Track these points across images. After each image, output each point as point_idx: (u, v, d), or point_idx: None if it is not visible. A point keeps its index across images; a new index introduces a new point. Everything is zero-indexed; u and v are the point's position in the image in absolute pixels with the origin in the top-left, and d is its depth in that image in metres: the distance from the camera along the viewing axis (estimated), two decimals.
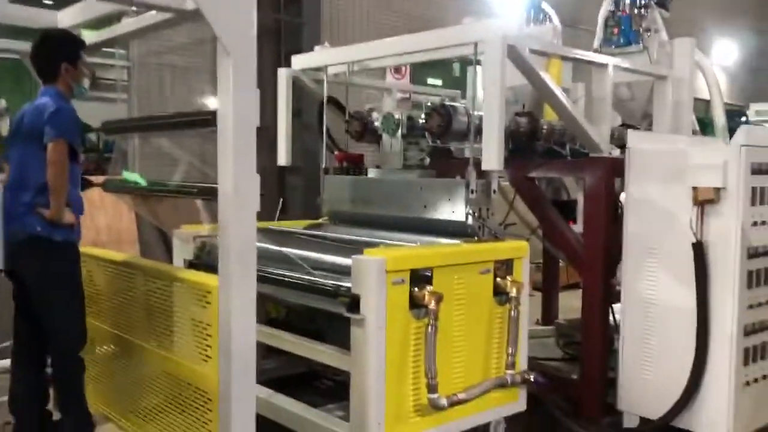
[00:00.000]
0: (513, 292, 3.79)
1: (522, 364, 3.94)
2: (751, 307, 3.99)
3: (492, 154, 3.75)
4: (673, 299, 4.16)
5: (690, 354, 4.01)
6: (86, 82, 3.80)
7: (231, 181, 2.80)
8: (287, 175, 7.41)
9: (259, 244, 3.04)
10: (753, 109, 11.31)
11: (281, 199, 6.04)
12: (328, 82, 5.12)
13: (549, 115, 5.37)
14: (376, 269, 3.23)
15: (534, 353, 4.67)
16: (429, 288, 3.38)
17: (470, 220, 4.08)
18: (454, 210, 4.16)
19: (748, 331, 3.99)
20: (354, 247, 3.77)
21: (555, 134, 5.05)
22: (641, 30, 5.55)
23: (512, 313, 3.79)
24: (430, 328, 3.33)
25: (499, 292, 3.82)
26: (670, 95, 5.00)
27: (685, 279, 4.05)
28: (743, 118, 6.35)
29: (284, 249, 4.11)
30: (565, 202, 5.16)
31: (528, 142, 4.84)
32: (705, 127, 5.69)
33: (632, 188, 4.35)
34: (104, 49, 4.98)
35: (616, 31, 5.56)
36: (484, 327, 3.77)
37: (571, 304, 7.37)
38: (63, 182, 3.46)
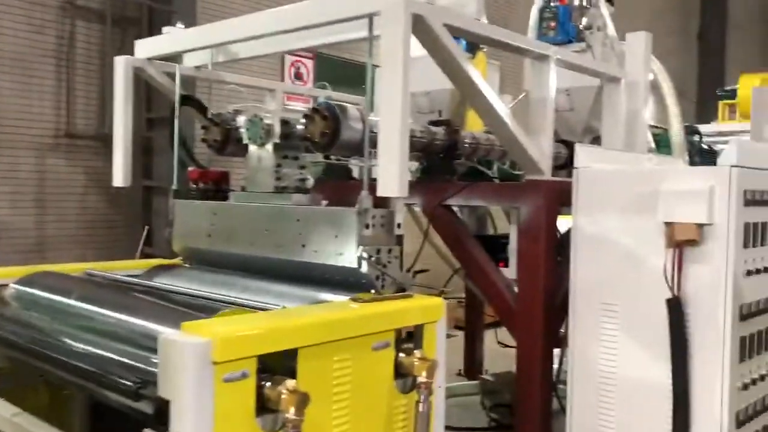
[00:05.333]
0: (422, 375, 2.59)
1: None
2: (745, 387, 2.93)
3: (391, 174, 2.56)
4: (639, 373, 3.06)
5: None
6: None
7: None
8: (155, 197, 6.00)
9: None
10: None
11: (146, 228, 4.70)
12: (186, 76, 3.84)
13: (473, 125, 4.26)
14: (194, 358, 1.96)
15: (452, 421, 3.51)
16: (289, 384, 2.13)
17: (364, 267, 2.87)
18: (342, 252, 2.94)
19: (743, 418, 2.92)
20: (193, 311, 2.52)
21: (480, 150, 3.92)
22: (582, 27, 4.54)
23: (421, 406, 2.59)
24: None
25: (403, 374, 2.62)
26: (623, 103, 3.96)
27: (656, 347, 2.97)
28: (696, 137, 5.44)
29: (90, 308, 2.79)
30: (493, 238, 4.01)
31: (445, 160, 3.70)
32: (657, 144, 4.71)
33: (582, 221, 3.25)
34: None
35: (552, 24, 4.52)
36: (380, 427, 2.56)
37: (499, 349, 6.29)
38: None
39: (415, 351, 2.64)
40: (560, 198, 3.34)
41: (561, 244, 3.46)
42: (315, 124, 3.06)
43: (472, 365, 5.90)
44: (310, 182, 3.38)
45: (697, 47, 18.45)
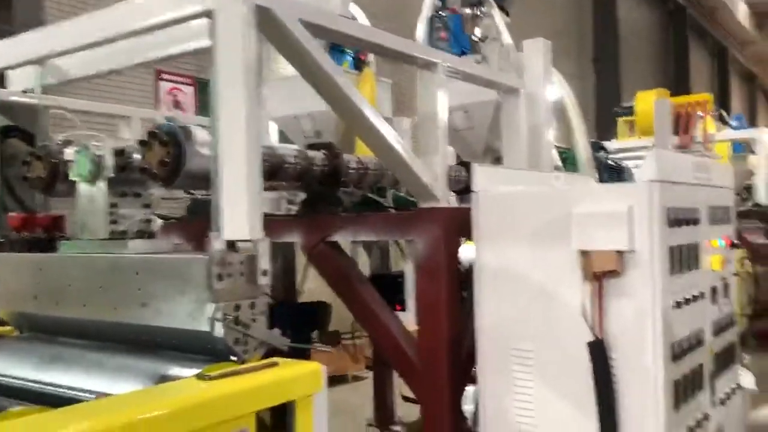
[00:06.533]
0: None
1: None
2: None
3: (238, 211, 1.99)
4: (561, 429, 2.58)
5: None
6: None
7: None
8: None
9: None
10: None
11: None
12: (13, 102, 3.15)
13: (362, 150, 3.76)
14: None
15: None
16: None
17: (219, 330, 2.27)
18: (191, 311, 2.32)
19: None
20: None
21: (369, 176, 3.41)
22: (476, 37, 4.15)
23: None
24: None
25: None
26: (523, 116, 3.55)
27: (579, 397, 2.50)
28: (602, 153, 5.14)
29: None
30: (392, 277, 3.48)
31: (328, 188, 3.15)
32: (564, 162, 4.35)
33: (485, 254, 2.77)
34: None
35: (443, 35, 4.10)
36: None
37: None
38: None
39: None
40: (461, 227, 2.85)
41: (467, 280, 2.97)
42: (153, 152, 2.45)
43: (383, 414, 5.31)
44: (157, 224, 2.75)
45: (593, 69, 18.86)
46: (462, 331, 2.89)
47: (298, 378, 2.18)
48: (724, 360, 3.06)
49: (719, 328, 2.99)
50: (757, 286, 9.24)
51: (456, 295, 2.85)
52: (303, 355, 4.26)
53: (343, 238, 3.05)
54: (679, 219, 2.53)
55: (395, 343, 2.94)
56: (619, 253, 2.41)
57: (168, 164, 2.44)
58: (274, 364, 2.20)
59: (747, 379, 4.25)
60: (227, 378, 2.05)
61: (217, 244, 2.25)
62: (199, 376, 2.04)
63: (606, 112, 13.65)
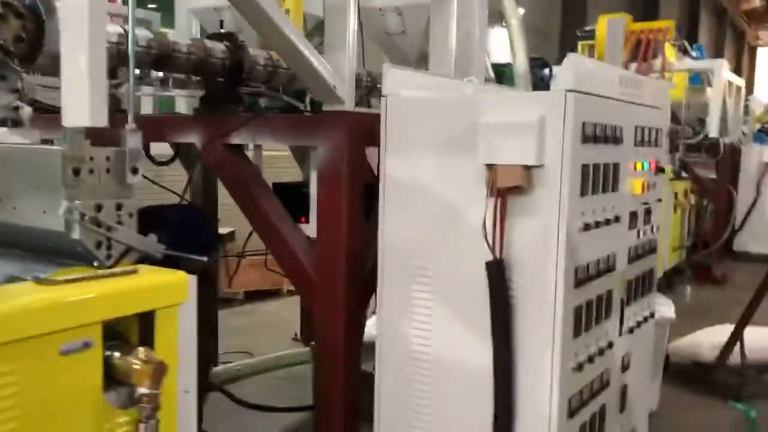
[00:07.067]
0: (144, 385, 1.82)
1: None
2: (579, 367, 2.37)
3: (78, 95, 1.72)
4: (456, 352, 2.45)
5: None
6: None
7: None
8: None
9: None
10: None
11: None
12: None
13: None
14: None
15: (280, 397, 2.80)
16: None
17: (77, 232, 2.03)
18: (47, 209, 2.08)
19: (575, 405, 2.38)
20: None
21: (281, 75, 3.12)
22: None
23: (142, 428, 1.82)
24: None
25: (121, 383, 1.85)
26: (454, 23, 3.27)
27: (476, 320, 2.35)
28: (546, 71, 4.89)
29: None
30: (293, 186, 3.23)
31: (229, 85, 2.87)
32: (499, 76, 4.09)
33: (392, 165, 2.55)
34: None
35: None
36: None
37: None
38: None
39: (139, 350, 1.86)
40: (368, 135, 2.62)
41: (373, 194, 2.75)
42: (8, 25, 2.13)
43: (310, 329, 5.16)
44: (27, 112, 2.45)
45: None
46: (365, 248, 2.70)
47: (157, 287, 1.97)
48: (639, 288, 2.94)
49: (636, 255, 2.85)
50: (699, 219, 9.30)
51: (358, 207, 2.64)
52: (208, 266, 4.06)
53: (241, 141, 2.78)
54: (596, 135, 2.33)
55: (294, 258, 2.74)
56: (527, 168, 2.21)
57: (24, 41, 2.13)
58: (134, 272, 1.98)
59: (665, 308, 4.21)
60: (71, 284, 1.83)
61: (71, 135, 1.98)
62: (39, 280, 1.82)
63: (570, 33, 13.30)
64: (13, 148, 2.21)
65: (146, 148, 3.98)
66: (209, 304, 4.61)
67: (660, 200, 3.07)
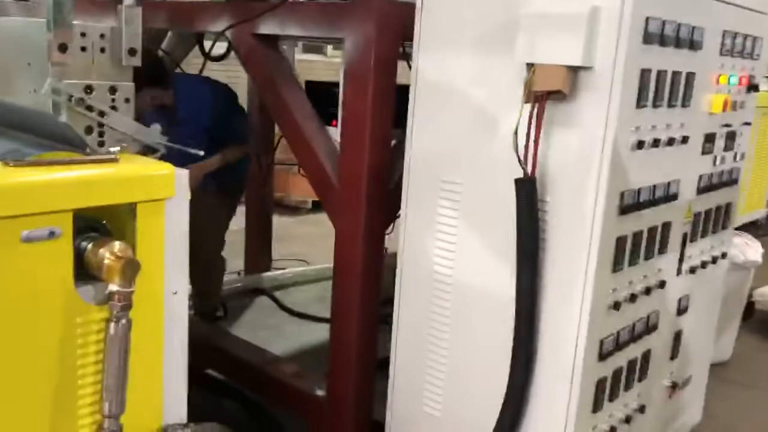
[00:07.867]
0: (114, 281, 1.69)
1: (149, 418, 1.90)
2: (616, 306, 2.07)
3: None
4: (480, 278, 2.19)
5: (503, 381, 2.10)
6: None
7: None
8: None
9: None
10: None
11: None
12: None
13: None
14: None
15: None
16: None
17: (61, 112, 1.89)
18: (36, 87, 1.94)
19: (608, 349, 2.09)
20: None
21: None
22: None
23: (111, 327, 1.70)
24: None
25: (94, 277, 1.73)
26: None
27: (504, 244, 2.08)
28: None
29: None
30: (328, 86, 2.96)
31: None
32: None
33: (425, 64, 2.25)
34: None
35: None
36: (49, 357, 1.68)
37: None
38: None
39: (114, 243, 1.72)
40: (402, 28, 2.32)
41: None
42: None
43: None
44: None
45: None
46: (394, 157, 2.45)
47: (138, 179, 1.80)
48: (709, 223, 2.56)
49: (708, 186, 2.46)
50: None
51: (385, 113, 2.36)
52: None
53: (269, 31, 2.54)
54: (663, 35, 1.93)
55: (317, 163, 2.52)
56: (571, 69, 1.87)
57: None
58: (114, 160, 1.82)
59: (752, 251, 3.76)
60: (41, 167, 1.69)
61: (65, 5, 1.81)
62: (6, 161, 1.68)
63: None
64: (7, 20, 2.07)
65: (200, 42, 3.83)
66: (259, 209, 4.52)
67: (748, 123, 2.62)
